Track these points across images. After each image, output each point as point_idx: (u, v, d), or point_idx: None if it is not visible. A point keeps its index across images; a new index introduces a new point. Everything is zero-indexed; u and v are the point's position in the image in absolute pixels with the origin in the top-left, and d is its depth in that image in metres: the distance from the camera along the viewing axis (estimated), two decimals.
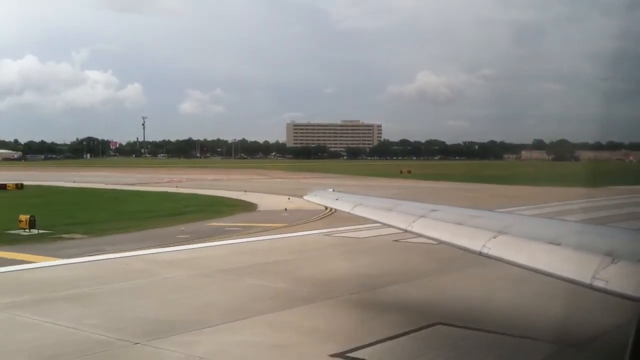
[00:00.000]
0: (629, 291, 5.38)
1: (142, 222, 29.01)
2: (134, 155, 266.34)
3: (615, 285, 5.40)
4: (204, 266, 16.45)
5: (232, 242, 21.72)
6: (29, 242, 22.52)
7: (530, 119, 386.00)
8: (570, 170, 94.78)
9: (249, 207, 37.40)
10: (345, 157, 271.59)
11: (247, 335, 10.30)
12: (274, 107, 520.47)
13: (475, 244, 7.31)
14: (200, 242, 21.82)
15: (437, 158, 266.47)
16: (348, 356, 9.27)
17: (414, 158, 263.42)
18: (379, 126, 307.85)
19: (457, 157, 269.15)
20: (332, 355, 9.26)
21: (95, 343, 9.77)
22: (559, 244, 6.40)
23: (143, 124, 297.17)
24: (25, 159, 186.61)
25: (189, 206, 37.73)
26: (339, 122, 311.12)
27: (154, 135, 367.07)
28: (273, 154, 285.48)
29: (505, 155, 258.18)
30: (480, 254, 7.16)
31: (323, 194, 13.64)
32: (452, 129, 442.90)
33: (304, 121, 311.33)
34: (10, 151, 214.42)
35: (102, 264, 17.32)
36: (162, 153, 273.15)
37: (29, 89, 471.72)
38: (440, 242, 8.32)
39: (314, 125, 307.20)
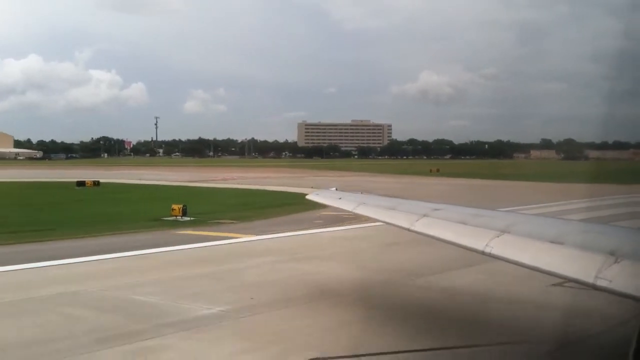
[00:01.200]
0: (632, 291, 5.41)
1: (261, 212, 33.53)
2: (147, 155, 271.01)
3: (619, 285, 5.41)
4: (379, 240, 21.09)
5: (367, 225, 26.38)
6: (199, 225, 27.16)
7: (533, 118, 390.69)
8: (589, 169, 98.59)
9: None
10: (356, 157, 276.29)
11: (481, 275, 15.05)
12: (276, 106, 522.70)
13: (478, 243, 7.33)
14: (340, 225, 26.47)
15: (447, 157, 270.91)
16: (565, 285, 13.94)
17: (424, 157, 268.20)
18: (389, 126, 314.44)
19: (467, 157, 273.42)
20: (552, 285, 13.94)
21: (393, 280, 14.54)
22: (562, 243, 6.43)
23: (156, 124, 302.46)
24: (50, 158, 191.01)
25: (277, 199, 42.36)
26: (349, 121, 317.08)
27: (159, 134, 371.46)
28: (285, 153, 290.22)
29: (515, 155, 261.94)
30: (483, 253, 7.21)
31: (325, 193, 13.81)
32: (455, 129, 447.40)
33: (314, 121, 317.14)
34: (32, 150, 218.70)
35: (299, 238, 22.14)
36: (176, 152, 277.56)
37: (32, 89, 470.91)
38: (443, 241, 8.34)
39: (324, 125, 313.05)
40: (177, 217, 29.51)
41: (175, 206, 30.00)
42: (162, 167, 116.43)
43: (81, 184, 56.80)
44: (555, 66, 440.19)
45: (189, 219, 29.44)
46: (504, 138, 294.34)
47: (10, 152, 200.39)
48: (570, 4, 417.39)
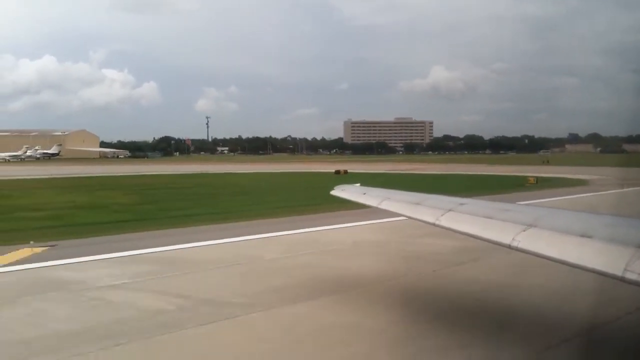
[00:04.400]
0: None
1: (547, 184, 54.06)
2: (202, 153, 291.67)
3: None
4: None
5: None
6: (558, 187, 47.57)
7: (546, 112, 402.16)
8: None
9: (582, 182, 59.24)
10: (401, 152, 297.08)
11: None
12: (288, 103, 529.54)
13: (505, 237, 7.40)
14: None
15: (487, 152, 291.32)
16: None
17: (466, 152, 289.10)
18: (431, 123, 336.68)
19: (505, 151, 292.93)
20: None
21: None
22: (590, 237, 6.49)
23: (207, 124, 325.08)
24: (147, 157, 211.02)
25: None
26: (392, 119, 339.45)
27: (171, 131, 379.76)
28: (334, 150, 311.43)
29: (552, 149, 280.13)
30: (510, 247, 7.28)
31: (350, 188, 13.68)
32: (471, 124, 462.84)
33: (359, 119, 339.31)
34: (122, 150, 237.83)
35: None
36: (239, 151, 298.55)
37: (47, 89, 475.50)
38: (469, 235, 8.22)
39: (369, 123, 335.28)
40: (532, 184, 50.07)
41: (530, 177, 50.96)
42: (301, 163, 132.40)
43: (337, 172, 77.06)
44: (568, 61, 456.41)
45: (536, 184, 49.91)
46: (519, 133, 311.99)
47: (110, 152, 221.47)
48: None
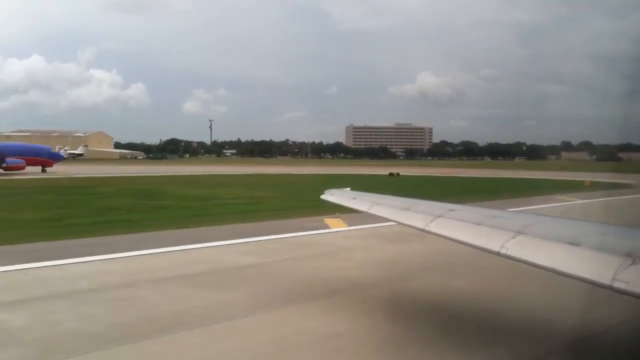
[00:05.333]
0: None
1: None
2: (206, 155, 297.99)
3: (636, 286, 5.49)
4: None
5: None
6: (610, 189, 56.44)
7: (534, 119, 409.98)
8: None
9: (626, 185, 65.61)
10: (401, 157, 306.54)
11: None
12: (276, 106, 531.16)
13: (493, 244, 7.42)
14: None
15: (487, 158, 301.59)
16: None
17: (464, 158, 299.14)
18: (430, 129, 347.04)
19: (504, 158, 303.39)
20: None
21: None
22: (578, 245, 6.47)
23: (210, 126, 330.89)
24: (166, 158, 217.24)
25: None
26: (392, 124, 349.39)
27: (162, 134, 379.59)
28: (336, 154, 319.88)
29: (549, 156, 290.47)
30: (498, 254, 7.29)
31: (340, 192, 13.62)
32: (456, 130, 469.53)
33: (361, 124, 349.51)
34: (137, 152, 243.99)
35: None
36: (245, 154, 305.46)
37: (35, 88, 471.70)
38: (458, 242, 8.25)
39: (370, 128, 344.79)
40: (586, 185, 58.77)
41: (586, 181, 59.68)
42: (322, 166, 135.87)
43: (391, 175, 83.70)
44: (557, 67, 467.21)
45: (592, 186, 58.78)
46: (508, 139, 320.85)
47: (129, 153, 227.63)
48: (568, 6, 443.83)
